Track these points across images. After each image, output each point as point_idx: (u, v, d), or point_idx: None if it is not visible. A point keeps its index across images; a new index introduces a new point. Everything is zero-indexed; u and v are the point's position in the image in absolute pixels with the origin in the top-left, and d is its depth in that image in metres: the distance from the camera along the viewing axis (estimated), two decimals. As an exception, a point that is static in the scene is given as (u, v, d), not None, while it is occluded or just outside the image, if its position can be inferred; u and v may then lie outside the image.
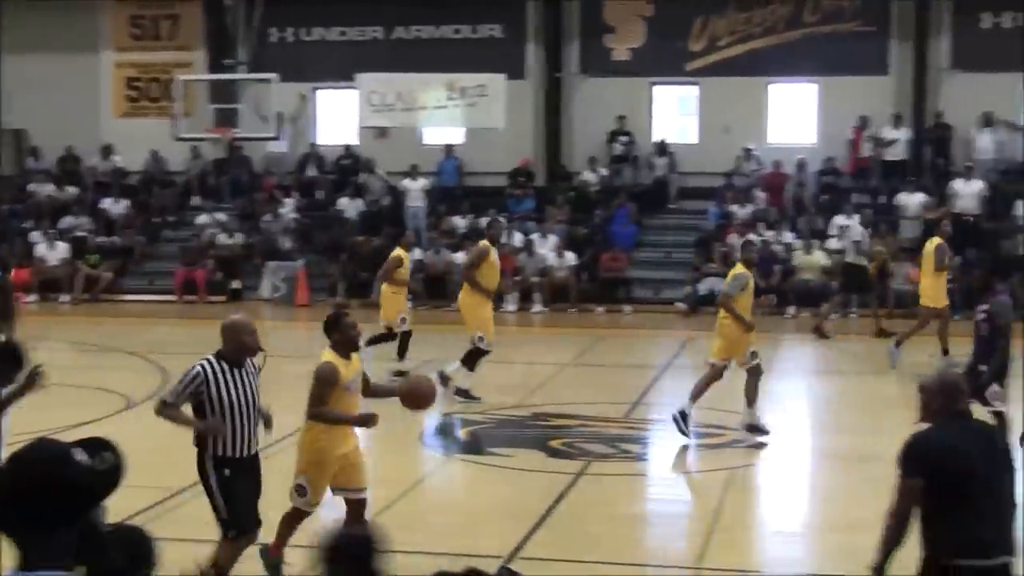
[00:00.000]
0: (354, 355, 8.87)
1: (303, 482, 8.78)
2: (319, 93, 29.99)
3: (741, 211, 26.48)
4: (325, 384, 8.61)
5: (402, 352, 17.32)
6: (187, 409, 8.46)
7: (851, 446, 13.56)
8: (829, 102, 28.01)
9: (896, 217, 26.00)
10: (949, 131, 27.17)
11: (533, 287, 25.41)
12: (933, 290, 18.45)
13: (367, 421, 8.72)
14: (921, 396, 6.32)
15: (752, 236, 21.36)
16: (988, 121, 26.68)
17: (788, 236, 25.81)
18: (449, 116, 26.59)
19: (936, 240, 18.50)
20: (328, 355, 8.74)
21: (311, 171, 29.35)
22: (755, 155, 27.77)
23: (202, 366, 8.30)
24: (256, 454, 8.54)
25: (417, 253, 25.37)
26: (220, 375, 8.29)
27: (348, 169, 29.04)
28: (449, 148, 28.79)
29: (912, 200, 25.90)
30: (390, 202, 28.18)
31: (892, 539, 6.10)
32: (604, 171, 28.21)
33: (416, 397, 9.07)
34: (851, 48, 27.66)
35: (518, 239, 26.25)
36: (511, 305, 25.06)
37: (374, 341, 17.10)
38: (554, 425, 14.49)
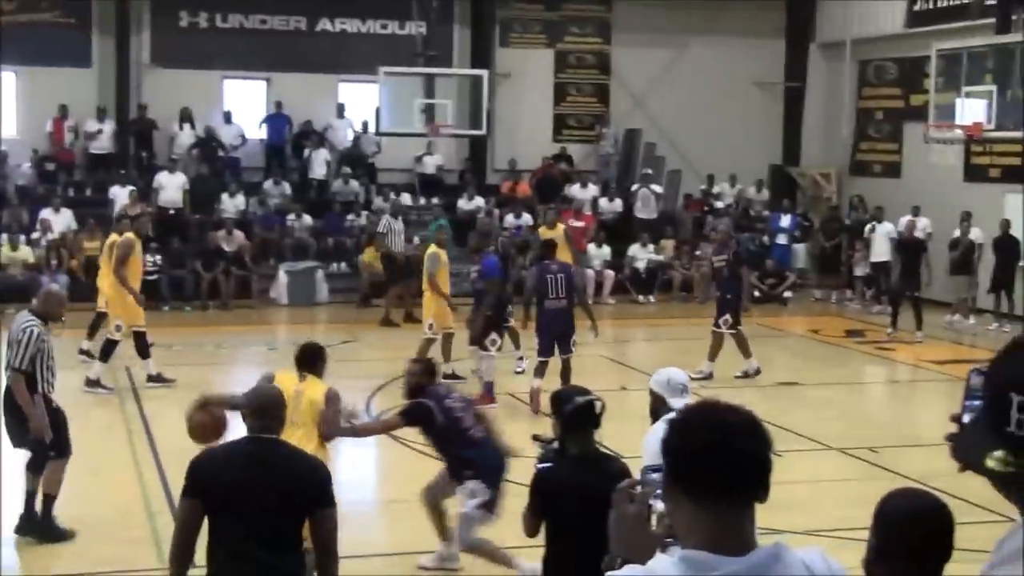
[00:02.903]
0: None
1: None
2: None
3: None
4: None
5: None
6: None
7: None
8: (31, 93, 27.45)
9: (108, 211, 26.06)
10: (152, 125, 27.69)
11: None
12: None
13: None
14: None
15: None
16: (187, 116, 27.51)
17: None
18: None
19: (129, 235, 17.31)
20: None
21: None
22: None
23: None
24: None
25: None
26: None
27: None
28: None
29: (123, 193, 26.10)
30: None
31: None
32: None
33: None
34: (52, 39, 27.31)
35: None
36: None
37: None
38: None
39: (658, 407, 6.79)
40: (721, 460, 2.75)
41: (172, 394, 15.97)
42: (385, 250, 24.37)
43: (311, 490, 5.88)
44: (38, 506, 10.35)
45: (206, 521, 5.90)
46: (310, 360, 9.01)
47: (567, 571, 6.16)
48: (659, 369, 7.06)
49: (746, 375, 17.57)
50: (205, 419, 8.33)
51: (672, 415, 2.98)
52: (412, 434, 13.77)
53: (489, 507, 9.00)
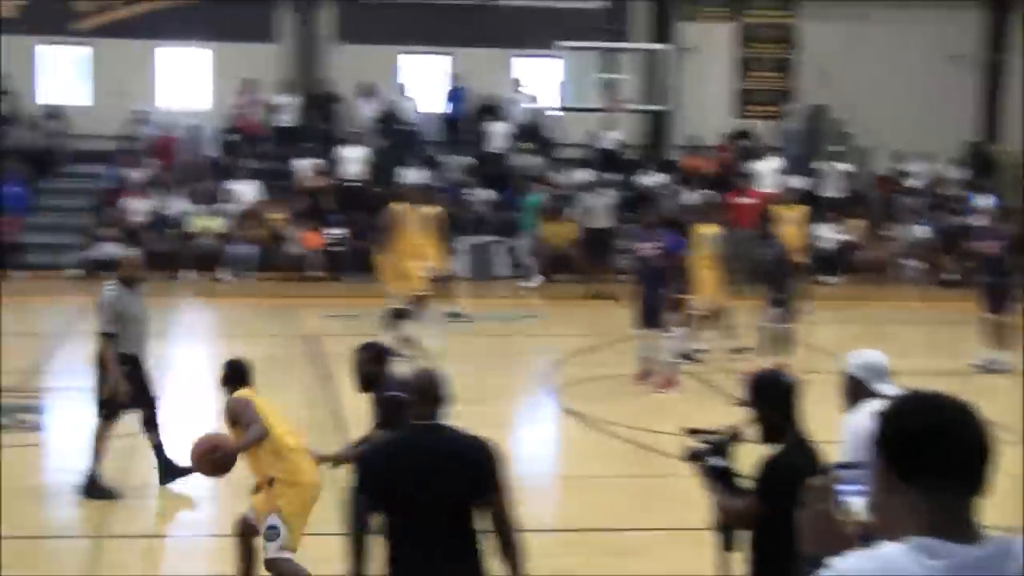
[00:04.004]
0: None
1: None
2: None
3: (135, 175, 26.12)
4: None
5: None
6: None
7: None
8: (223, 68, 28.22)
9: (289, 182, 26.66)
10: (334, 99, 28.16)
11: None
12: None
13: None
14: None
15: None
16: (368, 90, 27.87)
17: (181, 200, 25.76)
18: None
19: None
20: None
21: None
22: (147, 119, 27.49)
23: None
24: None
25: None
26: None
27: None
28: None
29: (304, 166, 26.64)
30: None
31: None
32: (-9, 132, 26.89)
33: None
34: (241, 15, 27.96)
35: None
36: None
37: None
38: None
39: (857, 391, 6.55)
40: (944, 444, 2.69)
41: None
42: (579, 225, 24.32)
43: (483, 473, 5.75)
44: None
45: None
46: (243, 377, 8.48)
47: (783, 557, 5.94)
48: (855, 351, 6.73)
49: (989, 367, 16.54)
50: (209, 449, 8.20)
51: (882, 402, 2.88)
52: (597, 411, 13.88)
53: None
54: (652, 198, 25.93)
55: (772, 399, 5.94)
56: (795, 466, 5.61)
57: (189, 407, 14.08)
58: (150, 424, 10.98)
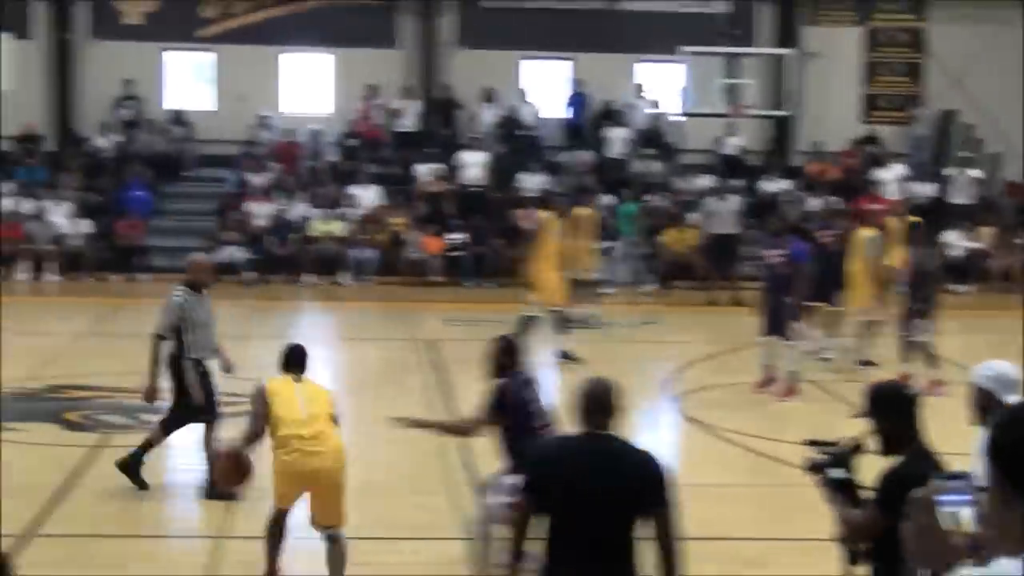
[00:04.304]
0: None
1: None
2: None
3: (257, 179, 26.42)
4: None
5: None
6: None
7: (368, 409, 13.87)
8: (344, 73, 28.46)
9: (410, 187, 26.76)
10: (455, 104, 28.23)
11: (45, 256, 24.36)
12: None
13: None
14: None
15: None
16: (489, 96, 27.92)
17: (303, 205, 26.00)
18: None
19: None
20: None
21: None
22: (272, 123, 27.81)
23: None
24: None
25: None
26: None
27: None
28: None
29: (425, 170, 26.72)
30: None
31: None
32: (117, 137, 27.35)
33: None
34: (363, 21, 28.18)
35: (28, 206, 25.06)
36: (23, 274, 24.00)
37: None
38: (70, 397, 14.03)
39: (987, 404, 6.29)
40: None
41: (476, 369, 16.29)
42: (703, 230, 24.09)
43: (649, 485, 5.76)
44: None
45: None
46: (302, 362, 8.80)
47: (905, 569, 5.78)
48: (985, 363, 6.40)
49: None
50: (229, 465, 8.59)
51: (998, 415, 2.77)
52: (718, 418, 13.68)
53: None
54: (775, 204, 25.62)
55: (892, 410, 5.83)
56: (915, 477, 5.28)
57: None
58: (207, 433, 10.82)
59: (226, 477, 8.78)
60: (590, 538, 5.66)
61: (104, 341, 18.61)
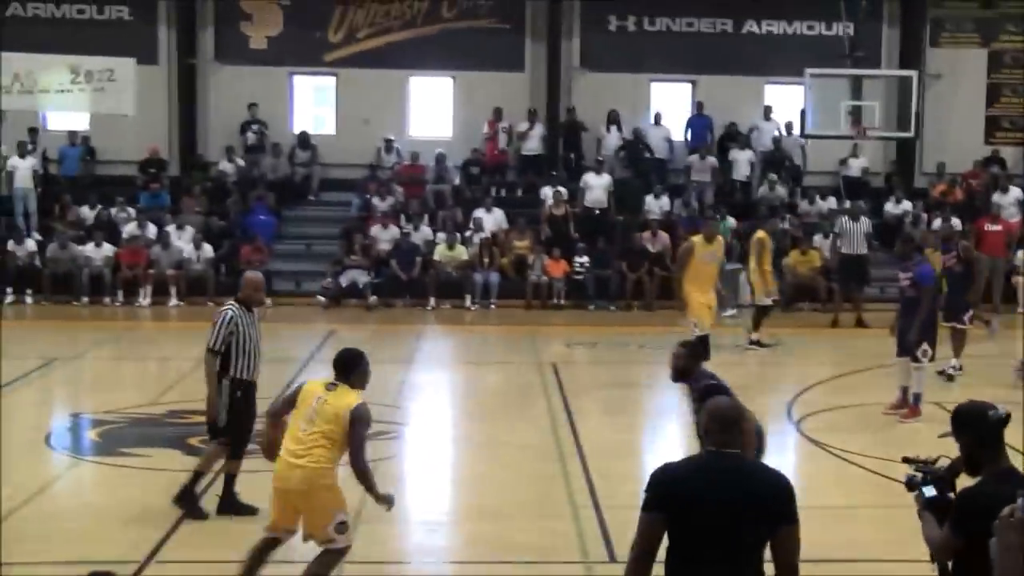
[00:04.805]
0: None
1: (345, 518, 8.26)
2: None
3: (382, 203, 26.53)
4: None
5: None
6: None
7: (491, 433, 13.76)
8: (466, 96, 28.51)
9: (534, 210, 26.68)
10: (580, 127, 28.12)
11: (169, 280, 24.63)
12: None
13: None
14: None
15: None
16: (614, 119, 27.77)
17: (428, 229, 26.04)
18: (74, 100, 25.26)
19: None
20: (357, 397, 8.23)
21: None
22: (395, 147, 27.93)
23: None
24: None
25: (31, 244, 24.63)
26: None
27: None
28: (73, 135, 27.54)
29: (549, 193, 26.61)
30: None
31: None
32: (241, 161, 27.67)
33: None
34: (487, 44, 28.23)
35: (152, 231, 25.41)
36: (145, 299, 24.30)
37: None
38: (192, 422, 14.03)
39: None
40: None
41: (600, 392, 16.26)
42: (837, 252, 23.71)
43: (776, 505, 5.65)
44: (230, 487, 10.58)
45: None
46: (346, 368, 8.31)
47: None
48: None
49: None
50: (277, 436, 8.35)
51: None
52: (840, 440, 13.38)
53: None
54: (900, 226, 25.20)
55: (972, 431, 5.84)
56: (992, 497, 5.49)
57: (434, 432, 14.09)
58: (235, 453, 10.54)
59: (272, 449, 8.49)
60: (714, 557, 5.57)
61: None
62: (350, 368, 8.27)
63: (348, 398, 8.11)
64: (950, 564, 5.89)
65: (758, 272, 20.28)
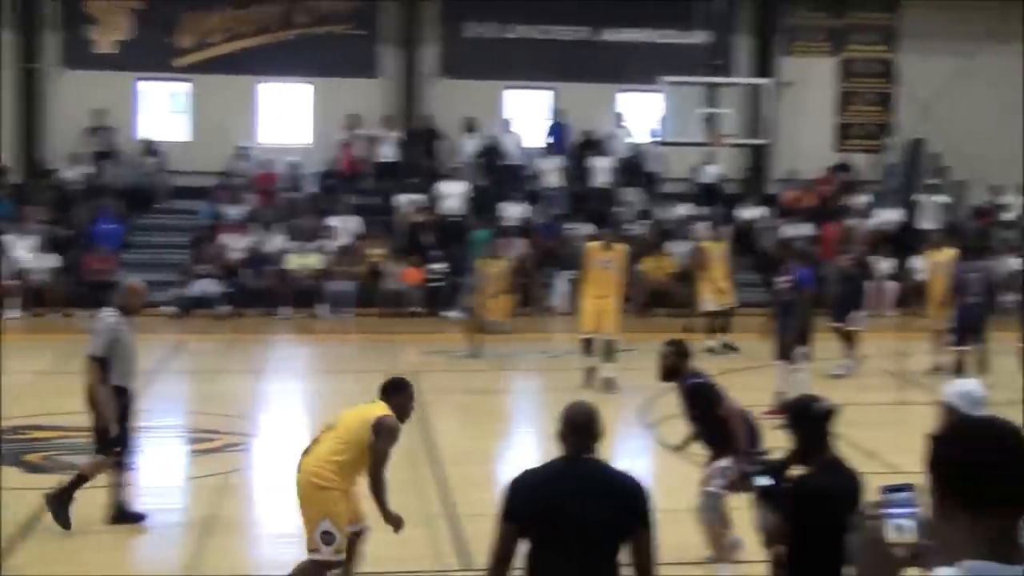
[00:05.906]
0: None
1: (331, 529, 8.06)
2: None
3: (234, 211, 26.04)
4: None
5: None
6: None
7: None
8: (322, 103, 28.16)
9: (390, 218, 26.44)
10: (437, 134, 27.99)
11: (9, 291, 23.78)
12: None
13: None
14: None
15: None
16: (471, 126, 27.70)
17: (280, 237, 25.62)
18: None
19: None
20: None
21: None
22: (248, 154, 27.45)
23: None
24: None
25: None
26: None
27: None
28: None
29: (405, 201, 26.41)
30: None
31: None
32: (87, 168, 26.91)
33: None
34: (344, 50, 27.94)
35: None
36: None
37: None
38: (32, 438, 13.57)
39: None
40: (1004, 468, 2.75)
41: (455, 399, 16.11)
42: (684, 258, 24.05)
43: (631, 510, 5.71)
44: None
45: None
46: (388, 391, 8.48)
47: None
48: (953, 382, 6.86)
49: None
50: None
51: (937, 430, 2.95)
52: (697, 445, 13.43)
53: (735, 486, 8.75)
54: (751, 232, 25.65)
55: (801, 424, 6.22)
56: (820, 487, 6.05)
57: (285, 443, 13.80)
58: (120, 462, 10.47)
59: None
60: (571, 562, 5.61)
61: (68, 379, 17.91)
62: (390, 392, 8.38)
63: (377, 409, 8.18)
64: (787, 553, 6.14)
65: (706, 279, 20.83)
